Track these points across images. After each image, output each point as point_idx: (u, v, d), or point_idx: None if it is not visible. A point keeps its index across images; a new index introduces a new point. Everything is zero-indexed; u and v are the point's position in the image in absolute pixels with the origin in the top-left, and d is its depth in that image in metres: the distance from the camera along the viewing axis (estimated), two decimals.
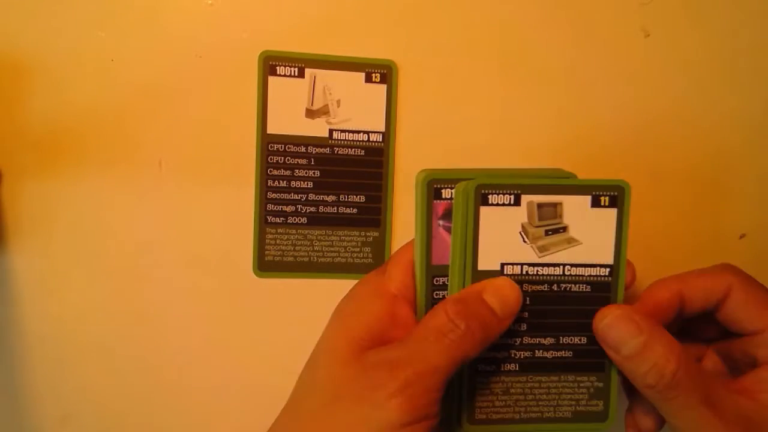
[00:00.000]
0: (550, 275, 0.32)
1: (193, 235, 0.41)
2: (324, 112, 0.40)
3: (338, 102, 0.40)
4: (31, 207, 0.40)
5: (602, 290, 0.33)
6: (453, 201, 0.31)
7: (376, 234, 0.42)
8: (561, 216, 0.32)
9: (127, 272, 0.41)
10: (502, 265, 0.32)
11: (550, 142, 0.41)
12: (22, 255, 0.41)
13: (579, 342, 0.33)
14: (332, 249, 0.42)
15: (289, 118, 0.40)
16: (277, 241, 0.41)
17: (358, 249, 0.42)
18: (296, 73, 0.40)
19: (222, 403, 0.42)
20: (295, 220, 0.41)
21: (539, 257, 0.32)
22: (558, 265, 0.32)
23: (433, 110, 0.41)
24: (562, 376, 0.33)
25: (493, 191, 0.31)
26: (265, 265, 0.41)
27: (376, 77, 0.40)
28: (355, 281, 0.35)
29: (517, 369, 0.32)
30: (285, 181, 0.41)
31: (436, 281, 0.32)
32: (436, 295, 0.32)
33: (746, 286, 0.32)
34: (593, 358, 0.32)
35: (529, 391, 0.33)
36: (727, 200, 0.41)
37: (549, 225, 0.32)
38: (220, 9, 0.40)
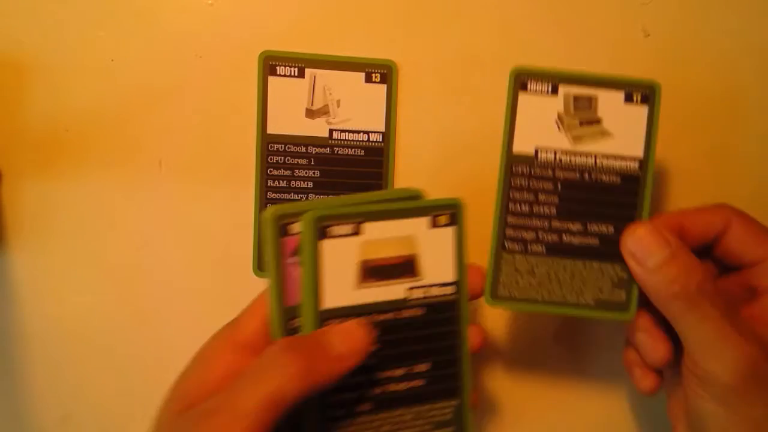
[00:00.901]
0: (583, 164, 0.33)
1: (194, 234, 0.41)
2: (324, 112, 0.40)
3: (338, 102, 0.40)
4: (31, 207, 0.41)
5: (631, 183, 0.33)
6: (300, 236, 0.30)
7: None
8: (595, 109, 0.33)
9: (127, 272, 0.41)
10: (536, 150, 0.33)
11: None
12: (22, 255, 0.41)
13: (606, 231, 0.33)
14: None
15: (289, 118, 0.40)
16: None
17: None
18: (296, 73, 0.40)
19: None
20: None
21: (572, 146, 0.33)
22: (590, 154, 0.33)
23: (433, 110, 0.41)
24: (587, 262, 0.33)
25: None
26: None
27: (376, 77, 0.40)
28: None
29: (543, 251, 0.33)
30: (285, 181, 0.41)
31: (292, 324, 0.30)
32: None
33: (744, 220, 0.34)
34: (619, 249, 0.32)
35: (553, 274, 0.33)
36: (728, 200, 0.41)
37: (583, 117, 0.33)
38: (220, 9, 0.40)
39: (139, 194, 0.41)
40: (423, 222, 0.31)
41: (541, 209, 0.33)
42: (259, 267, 0.41)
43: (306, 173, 0.41)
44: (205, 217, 0.41)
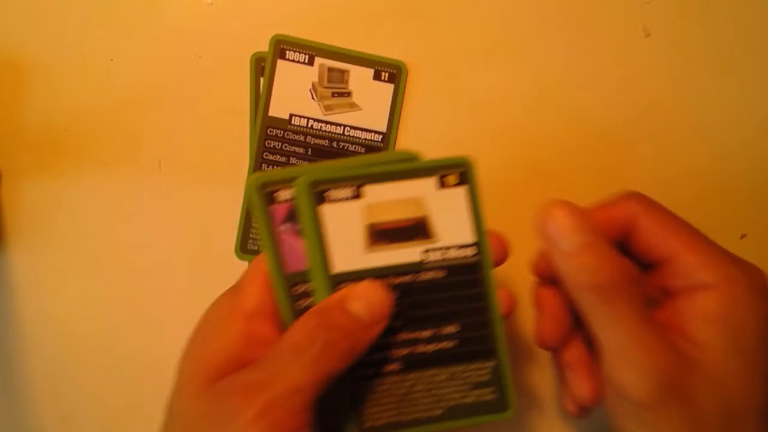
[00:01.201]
0: (332, 132, 0.36)
1: (194, 234, 0.41)
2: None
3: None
4: (30, 207, 0.40)
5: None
6: (295, 202, 0.29)
7: None
8: (347, 83, 0.36)
9: (127, 272, 0.41)
10: (291, 115, 0.36)
11: (553, 144, 0.41)
12: (22, 255, 0.41)
13: None
14: None
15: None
16: None
17: None
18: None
19: None
20: None
21: (324, 115, 0.36)
22: (339, 124, 0.37)
23: (437, 117, 0.41)
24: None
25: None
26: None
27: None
28: None
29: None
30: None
31: (296, 290, 0.30)
32: (300, 305, 0.30)
33: (652, 213, 0.30)
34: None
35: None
36: (728, 200, 0.41)
37: (335, 89, 0.37)
38: (219, 9, 0.40)
39: (138, 194, 0.41)
40: (430, 182, 0.30)
41: None
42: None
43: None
44: (206, 217, 0.41)
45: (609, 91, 0.41)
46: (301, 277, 0.30)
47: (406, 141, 0.41)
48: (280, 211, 0.29)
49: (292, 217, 0.29)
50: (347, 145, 0.40)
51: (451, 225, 0.30)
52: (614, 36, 0.41)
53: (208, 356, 0.28)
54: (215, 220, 0.41)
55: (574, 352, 0.32)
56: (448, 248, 0.30)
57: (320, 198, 0.29)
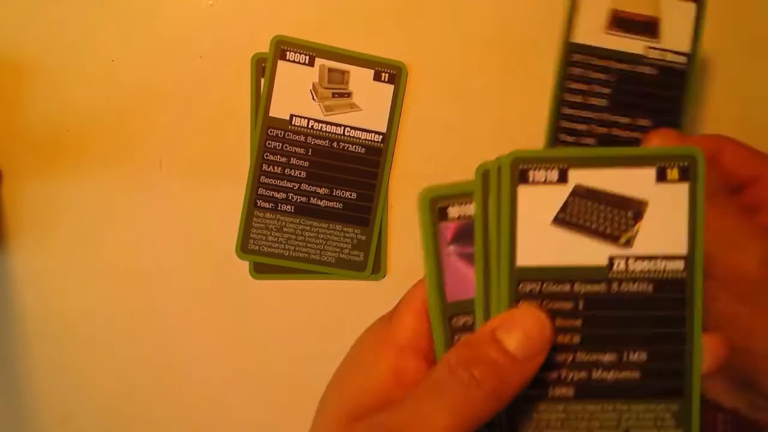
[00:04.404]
0: (332, 132, 0.37)
1: (194, 234, 0.41)
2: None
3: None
4: (31, 206, 0.40)
5: (374, 155, 0.37)
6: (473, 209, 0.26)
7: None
8: (347, 83, 0.36)
9: (128, 271, 0.41)
10: (291, 115, 0.36)
11: None
12: (23, 254, 0.41)
13: (349, 197, 0.38)
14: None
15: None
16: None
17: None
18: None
19: (224, 401, 0.42)
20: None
21: (324, 115, 0.37)
22: (339, 124, 0.37)
23: (437, 117, 0.41)
24: (331, 224, 0.34)
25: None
26: (262, 268, 0.41)
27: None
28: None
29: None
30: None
31: (455, 322, 0.26)
32: (457, 339, 0.26)
33: (736, 144, 0.33)
34: (360, 213, 0.33)
35: (300, 232, 0.37)
36: None
37: (336, 89, 0.37)
38: (220, 10, 0.40)
39: (139, 194, 0.41)
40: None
41: (293, 172, 0.38)
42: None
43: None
44: (207, 217, 0.41)
45: None
46: (463, 308, 0.26)
47: (407, 141, 0.41)
48: (449, 229, 0.26)
49: (460, 237, 0.26)
50: (347, 145, 0.40)
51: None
52: None
53: (354, 393, 0.26)
54: (216, 220, 0.41)
55: None
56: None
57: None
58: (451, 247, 0.26)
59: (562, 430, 0.26)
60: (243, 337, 0.42)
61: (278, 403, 0.42)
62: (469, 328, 0.26)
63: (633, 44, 0.37)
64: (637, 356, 0.25)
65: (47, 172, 0.40)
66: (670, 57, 0.37)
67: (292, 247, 0.41)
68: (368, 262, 0.41)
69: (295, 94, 0.40)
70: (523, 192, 0.25)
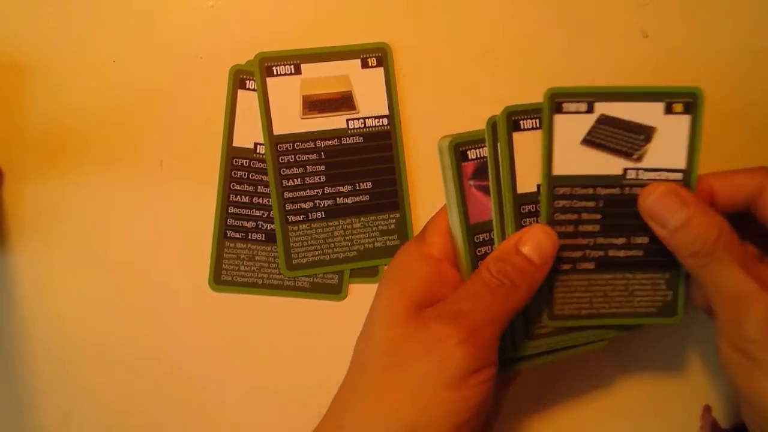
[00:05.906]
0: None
1: (195, 234, 0.41)
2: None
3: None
4: (32, 207, 0.40)
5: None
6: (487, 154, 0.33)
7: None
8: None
9: (129, 272, 0.40)
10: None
11: None
12: (24, 255, 0.40)
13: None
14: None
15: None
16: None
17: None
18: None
19: (223, 401, 0.41)
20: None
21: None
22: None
23: (432, 85, 0.41)
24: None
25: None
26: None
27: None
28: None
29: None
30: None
31: (476, 239, 0.34)
32: (479, 252, 0.34)
33: None
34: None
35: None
36: None
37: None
38: (220, 10, 0.41)
39: (140, 194, 0.41)
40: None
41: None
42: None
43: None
44: (207, 217, 0.41)
45: None
46: (483, 228, 0.33)
47: (412, 117, 0.41)
48: (469, 167, 0.33)
49: (478, 173, 0.33)
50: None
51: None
52: (613, 37, 0.42)
53: (408, 290, 0.32)
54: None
55: None
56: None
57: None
58: (471, 182, 0.33)
59: (586, 292, 0.34)
60: (243, 337, 0.41)
61: (278, 403, 0.41)
62: (488, 242, 0.34)
63: (334, 121, 0.40)
64: (641, 240, 0.33)
65: (48, 173, 0.40)
66: (370, 122, 0.41)
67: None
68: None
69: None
70: (559, 120, 0.32)
